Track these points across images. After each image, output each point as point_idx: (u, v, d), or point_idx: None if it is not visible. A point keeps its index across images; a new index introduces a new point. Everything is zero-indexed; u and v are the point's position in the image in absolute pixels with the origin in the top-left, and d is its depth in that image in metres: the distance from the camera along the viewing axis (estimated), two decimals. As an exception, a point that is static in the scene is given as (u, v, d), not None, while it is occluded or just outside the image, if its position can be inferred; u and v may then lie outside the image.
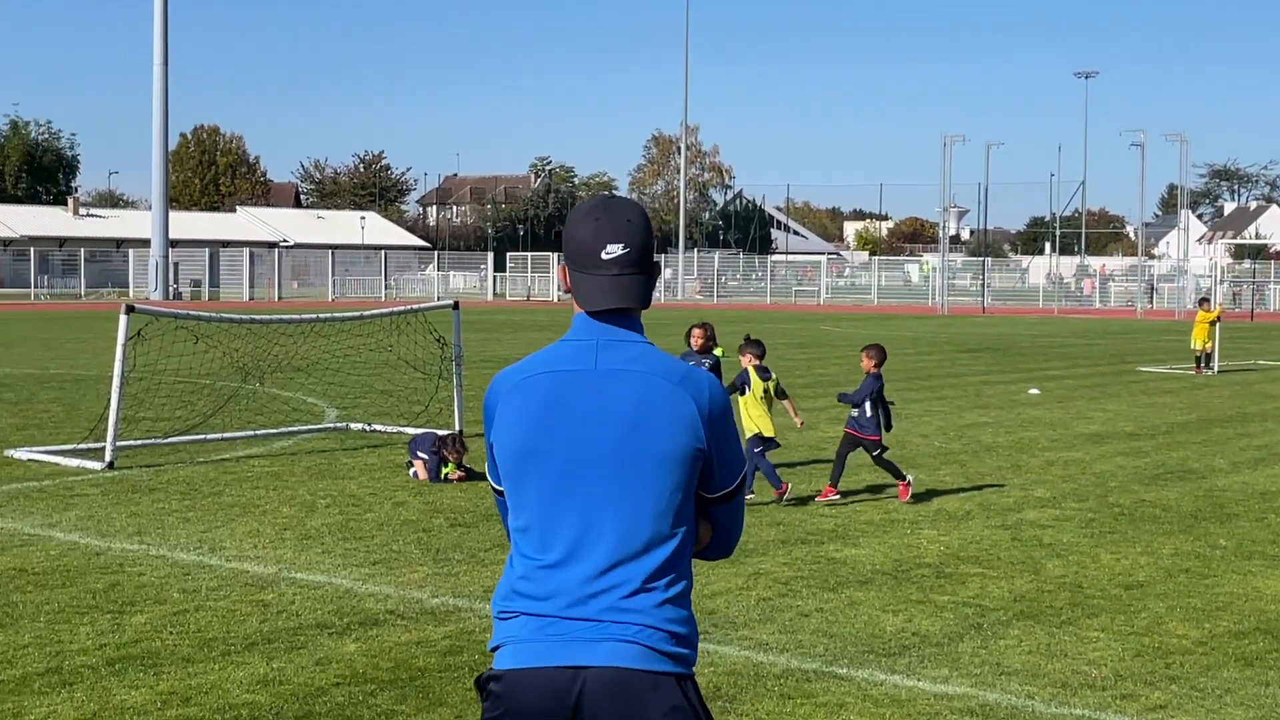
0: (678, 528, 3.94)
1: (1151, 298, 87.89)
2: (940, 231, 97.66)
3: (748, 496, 14.11)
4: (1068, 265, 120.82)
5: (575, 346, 3.97)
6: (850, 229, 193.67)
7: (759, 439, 14.54)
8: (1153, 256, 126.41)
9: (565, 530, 3.89)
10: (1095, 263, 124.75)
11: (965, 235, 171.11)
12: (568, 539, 3.89)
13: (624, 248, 3.95)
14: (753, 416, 14.61)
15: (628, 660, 3.81)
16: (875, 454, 14.79)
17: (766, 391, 14.63)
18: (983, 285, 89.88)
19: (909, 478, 14.92)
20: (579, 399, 3.91)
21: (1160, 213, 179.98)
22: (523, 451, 3.92)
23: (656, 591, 3.88)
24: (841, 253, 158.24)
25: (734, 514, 4.11)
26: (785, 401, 15.07)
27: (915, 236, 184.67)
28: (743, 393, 14.61)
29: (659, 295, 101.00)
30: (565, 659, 3.82)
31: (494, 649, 3.97)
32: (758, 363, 14.79)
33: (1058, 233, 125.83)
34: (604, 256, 3.94)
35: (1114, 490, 15.74)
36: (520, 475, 3.94)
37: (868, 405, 14.75)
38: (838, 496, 14.63)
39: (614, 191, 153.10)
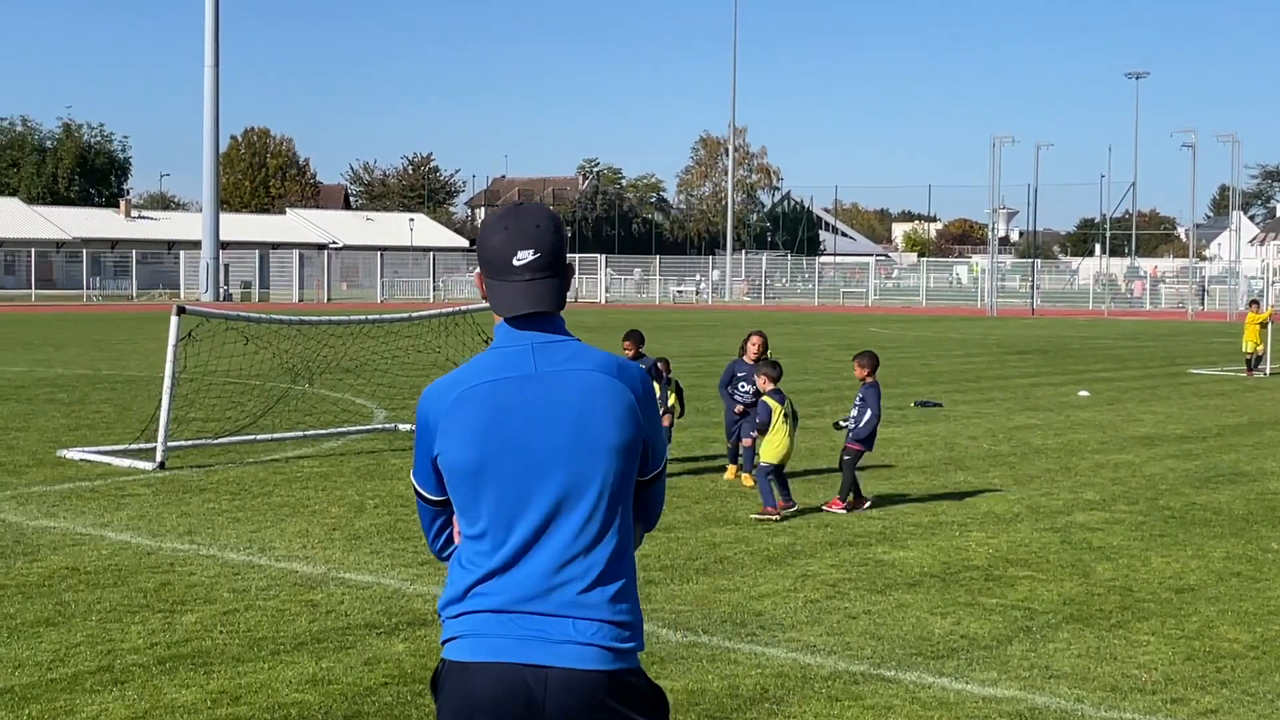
0: (625, 517, 4.08)
1: (1203, 299, 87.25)
2: (989, 233, 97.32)
3: (790, 510, 14.00)
4: (1118, 267, 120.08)
5: (509, 352, 4.06)
6: (898, 230, 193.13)
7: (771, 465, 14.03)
8: (1204, 258, 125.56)
9: (521, 531, 3.97)
10: (1146, 264, 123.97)
11: (1014, 237, 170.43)
12: (524, 539, 3.97)
13: (535, 253, 4.04)
14: (771, 444, 13.95)
15: (590, 663, 3.94)
16: (849, 459, 14.34)
17: (785, 416, 14.05)
18: (1032, 287, 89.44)
19: (849, 500, 14.26)
20: (526, 403, 3.99)
21: (1211, 214, 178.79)
22: (476, 462, 3.98)
23: (611, 584, 4.02)
24: (890, 254, 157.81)
25: (659, 493, 4.27)
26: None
27: (964, 238, 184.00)
28: (765, 432, 14.05)
29: (706, 297, 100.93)
30: (529, 657, 3.92)
31: (447, 641, 4.04)
32: (772, 386, 14.21)
33: (1108, 234, 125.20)
34: (516, 263, 4.03)
35: (1164, 493, 15.64)
36: (475, 484, 4.00)
37: (866, 414, 14.39)
38: (869, 502, 14.44)
39: (662, 194, 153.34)
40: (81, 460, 17.02)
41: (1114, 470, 17.32)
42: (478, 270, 4.16)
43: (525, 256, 4.03)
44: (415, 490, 4.22)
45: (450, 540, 4.23)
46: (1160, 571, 11.67)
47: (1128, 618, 10.14)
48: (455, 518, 4.15)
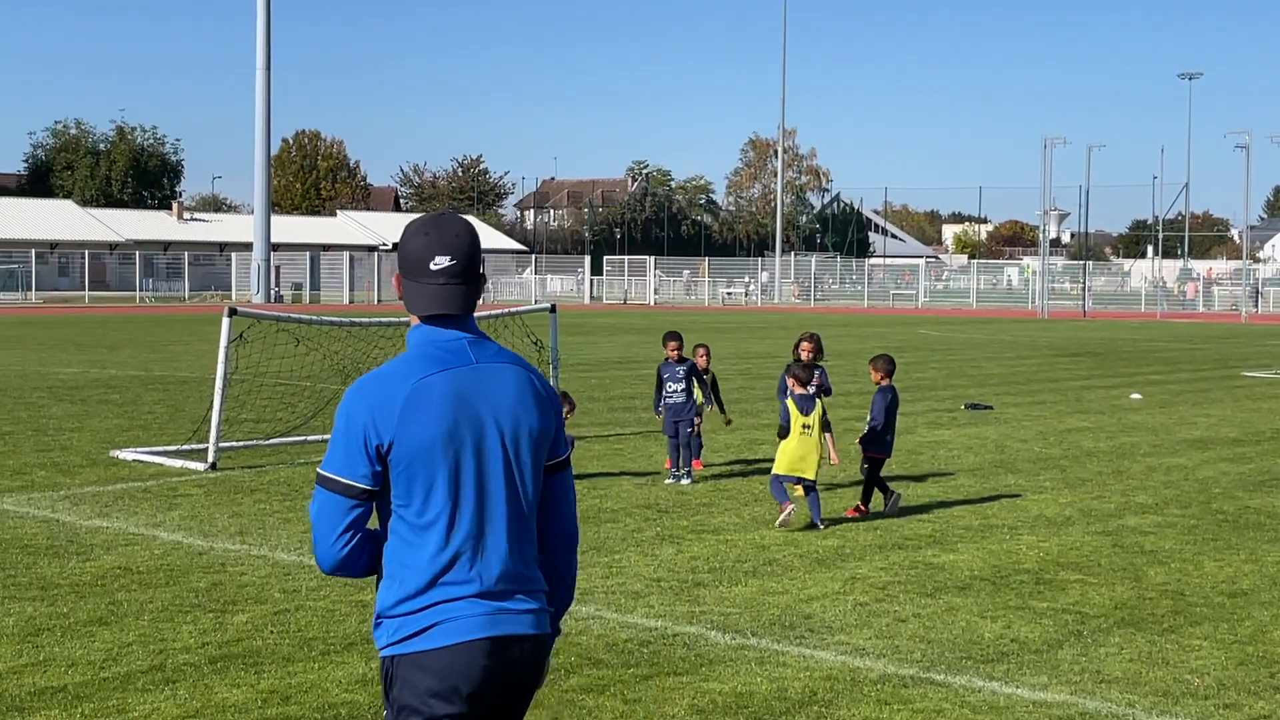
0: (539, 497, 4.44)
1: (1256, 301, 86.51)
2: (1040, 234, 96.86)
3: (793, 513, 13.57)
4: (1170, 269, 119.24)
5: (448, 346, 4.33)
6: (949, 232, 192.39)
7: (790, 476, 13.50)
8: (1258, 260, 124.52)
9: (473, 513, 4.25)
10: (1199, 266, 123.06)
11: (1066, 238, 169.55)
12: (475, 521, 4.25)
13: (451, 259, 4.32)
14: (786, 452, 13.48)
15: (544, 627, 4.36)
16: (873, 468, 14.16)
17: (806, 426, 13.45)
18: (1083, 289, 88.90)
19: (868, 506, 14.08)
20: (476, 390, 4.28)
21: (1265, 215, 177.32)
22: (438, 445, 4.21)
23: (535, 555, 4.41)
24: (940, 256, 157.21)
25: (572, 485, 4.57)
26: (826, 435, 13.63)
27: (1015, 240, 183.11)
28: (784, 435, 13.63)
29: (755, 299, 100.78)
30: (507, 629, 4.24)
31: (414, 634, 4.18)
32: (801, 390, 13.68)
33: (1160, 236, 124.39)
34: (432, 267, 4.32)
35: (1217, 497, 15.52)
36: (433, 469, 4.21)
37: (882, 417, 14.25)
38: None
39: (711, 196, 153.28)
40: (134, 461, 17.15)
41: (1166, 474, 17.21)
42: (397, 272, 4.43)
43: (442, 262, 4.30)
44: (334, 486, 4.25)
45: (358, 548, 4.28)
46: (1213, 576, 11.58)
47: (1180, 622, 10.06)
48: (395, 514, 4.26)
